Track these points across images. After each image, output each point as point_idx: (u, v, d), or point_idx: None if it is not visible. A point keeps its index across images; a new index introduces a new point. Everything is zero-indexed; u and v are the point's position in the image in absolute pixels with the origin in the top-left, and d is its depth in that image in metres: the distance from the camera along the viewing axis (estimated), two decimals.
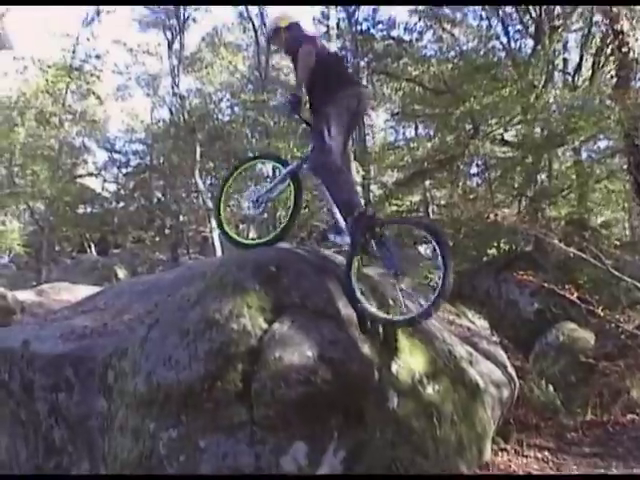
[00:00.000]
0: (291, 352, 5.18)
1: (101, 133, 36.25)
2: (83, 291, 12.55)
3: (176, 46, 30.04)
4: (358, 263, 6.16)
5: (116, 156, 36.47)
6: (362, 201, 6.19)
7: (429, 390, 6.30)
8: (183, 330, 5.62)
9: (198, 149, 26.93)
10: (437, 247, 5.82)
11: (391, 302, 6.40)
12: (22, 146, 28.33)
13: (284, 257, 6.06)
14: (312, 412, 5.14)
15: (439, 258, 5.74)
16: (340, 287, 5.85)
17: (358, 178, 17.66)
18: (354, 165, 6.75)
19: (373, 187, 24.26)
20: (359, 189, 17.65)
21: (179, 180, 32.24)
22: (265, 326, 5.41)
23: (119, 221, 35.46)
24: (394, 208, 20.73)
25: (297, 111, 6.73)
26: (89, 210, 36.59)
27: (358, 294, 5.98)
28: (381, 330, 5.90)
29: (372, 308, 6.04)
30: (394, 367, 5.93)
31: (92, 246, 37.50)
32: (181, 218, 32.48)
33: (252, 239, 6.75)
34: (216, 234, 23.16)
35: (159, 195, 36.17)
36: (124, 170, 35.89)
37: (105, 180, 37.32)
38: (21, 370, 7.58)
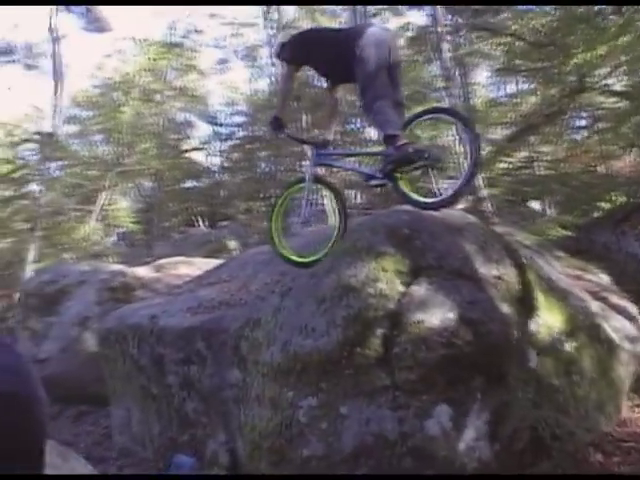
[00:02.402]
0: (431, 314, 5.10)
1: (203, 107, 36.41)
2: (200, 264, 12.61)
3: (273, 15, 29.96)
4: (401, 175, 6.25)
5: (219, 129, 36.61)
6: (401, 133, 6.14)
7: (567, 347, 6.16)
8: (318, 297, 5.58)
9: (304, 116, 26.74)
10: (463, 130, 6.20)
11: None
12: (129, 125, 28.79)
13: (417, 219, 5.93)
14: (454, 374, 5.06)
15: (466, 141, 6.03)
16: (475, 247, 5.70)
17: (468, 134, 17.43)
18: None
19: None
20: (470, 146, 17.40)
21: (284, 150, 32.09)
22: (403, 289, 5.31)
23: (227, 193, 35.45)
24: (503, 165, 20.43)
25: (279, 130, 7.09)
26: (196, 184, 36.74)
27: (408, 192, 6.22)
28: (518, 289, 5.77)
29: (415, 196, 6.25)
30: (533, 325, 5.79)
31: (201, 220, 37.81)
32: None
33: (306, 256, 6.67)
34: (327, 202, 22.99)
35: (264, 166, 36.17)
36: (228, 143, 35.99)
37: (209, 154, 37.43)
38: (151, 345, 7.71)
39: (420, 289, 5.27)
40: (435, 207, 6.21)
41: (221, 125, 36.80)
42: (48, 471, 3.60)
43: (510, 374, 5.32)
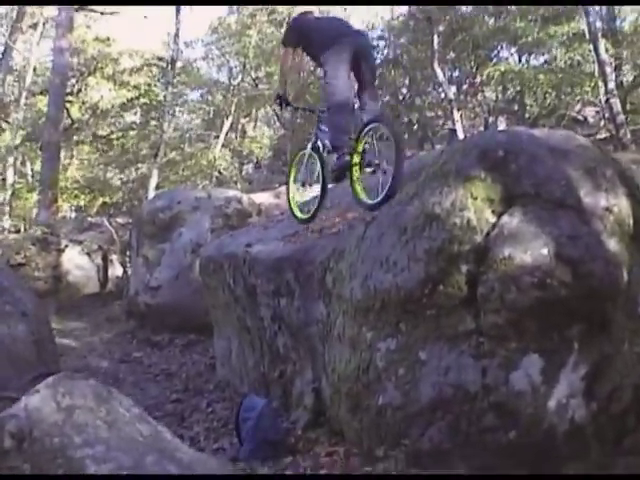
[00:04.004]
0: (523, 250, 4.41)
1: None
2: None
3: None
4: (354, 172, 6.68)
5: None
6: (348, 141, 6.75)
7: None
8: (400, 227, 5.02)
9: (436, 39, 25.80)
10: (390, 135, 6.28)
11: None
12: (255, 48, 28.63)
13: (515, 140, 5.09)
14: (548, 320, 4.38)
15: (392, 147, 6.16)
16: (582, 172, 4.85)
17: (606, 57, 16.48)
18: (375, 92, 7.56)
19: (625, 68, 22.53)
20: (608, 69, 16.49)
21: (419, 73, 31.25)
22: (493, 220, 4.62)
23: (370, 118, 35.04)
24: None
25: (284, 105, 7.83)
26: None
27: (359, 191, 6.64)
28: (631, 223, 4.96)
29: (362, 198, 6.56)
30: None
31: None
32: (427, 113, 31.46)
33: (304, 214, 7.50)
34: (459, 126, 22.28)
35: (404, 91, 35.31)
36: None
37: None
38: (244, 275, 7.54)
39: (512, 220, 4.55)
40: (375, 209, 6.16)
41: None
42: (80, 414, 3.07)
43: (615, 322, 4.56)
